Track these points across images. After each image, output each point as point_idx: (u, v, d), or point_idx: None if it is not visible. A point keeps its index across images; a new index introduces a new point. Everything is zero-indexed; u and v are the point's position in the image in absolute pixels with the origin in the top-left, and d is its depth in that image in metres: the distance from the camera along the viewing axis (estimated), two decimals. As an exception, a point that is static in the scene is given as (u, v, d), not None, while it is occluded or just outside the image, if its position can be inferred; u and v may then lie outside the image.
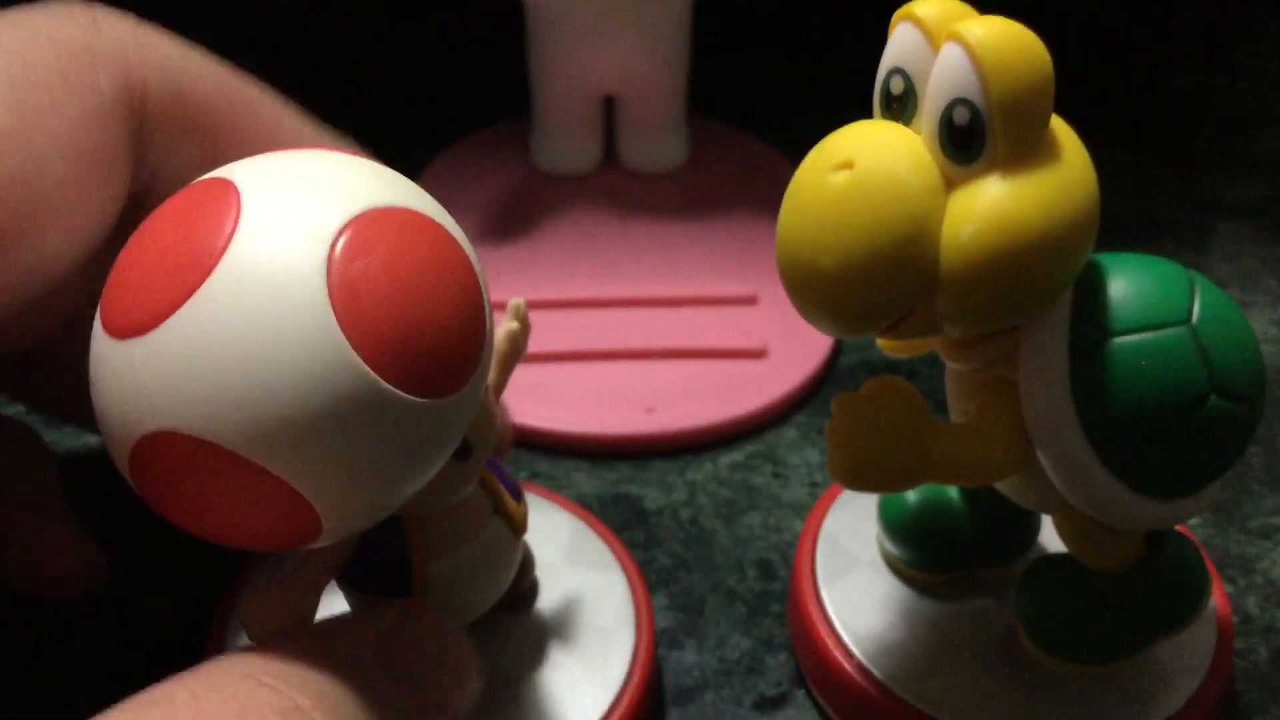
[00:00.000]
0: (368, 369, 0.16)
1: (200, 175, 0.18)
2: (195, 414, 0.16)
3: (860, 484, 0.21)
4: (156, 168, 0.22)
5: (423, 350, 0.17)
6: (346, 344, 0.16)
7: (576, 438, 0.32)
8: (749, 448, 0.33)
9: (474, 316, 0.18)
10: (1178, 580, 0.23)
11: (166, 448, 0.16)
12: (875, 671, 0.24)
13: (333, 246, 0.16)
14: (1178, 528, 0.24)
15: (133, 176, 0.21)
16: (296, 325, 0.16)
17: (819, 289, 0.19)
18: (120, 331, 0.16)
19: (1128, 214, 0.41)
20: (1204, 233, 0.41)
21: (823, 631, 0.25)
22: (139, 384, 0.16)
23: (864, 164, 0.19)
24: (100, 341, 0.17)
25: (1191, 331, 0.20)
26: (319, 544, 0.18)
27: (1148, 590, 0.23)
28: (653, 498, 0.31)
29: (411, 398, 0.16)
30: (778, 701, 0.26)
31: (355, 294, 0.16)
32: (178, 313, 0.16)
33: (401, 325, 0.16)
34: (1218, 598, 0.26)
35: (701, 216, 0.40)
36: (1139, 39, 0.47)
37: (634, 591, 0.26)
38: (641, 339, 0.35)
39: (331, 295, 0.16)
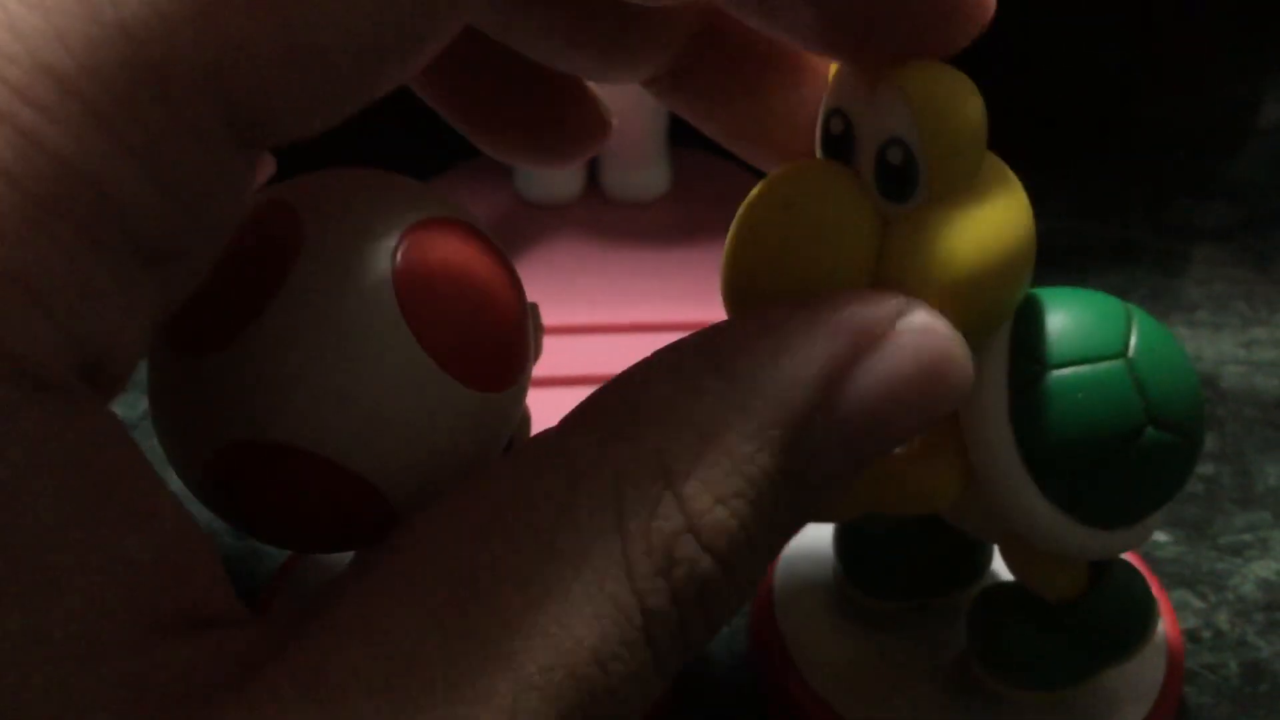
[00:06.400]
0: (437, 367, 0.17)
1: None
2: (272, 422, 0.17)
3: (806, 515, 0.21)
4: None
5: (483, 348, 0.18)
6: (417, 345, 0.17)
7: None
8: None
9: (521, 316, 0.19)
10: (1124, 608, 0.23)
11: (245, 458, 0.17)
12: (827, 699, 0.24)
13: (395, 255, 0.17)
14: (1127, 556, 0.24)
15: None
16: (369, 331, 0.17)
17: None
18: (192, 349, 0.17)
19: (1100, 240, 0.41)
20: (1177, 257, 0.41)
21: (778, 660, 0.25)
22: (213, 399, 0.17)
23: (800, 204, 0.19)
24: (168, 360, 0.18)
25: (1128, 364, 0.21)
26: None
27: (1095, 618, 0.23)
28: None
29: (474, 392, 0.18)
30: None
31: (421, 299, 0.17)
32: (250, 327, 0.17)
33: (464, 326, 0.18)
34: (1168, 625, 0.26)
35: (684, 245, 0.40)
36: (1108, 65, 0.47)
37: None
38: (624, 366, 0.35)
39: (400, 302, 0.17)
